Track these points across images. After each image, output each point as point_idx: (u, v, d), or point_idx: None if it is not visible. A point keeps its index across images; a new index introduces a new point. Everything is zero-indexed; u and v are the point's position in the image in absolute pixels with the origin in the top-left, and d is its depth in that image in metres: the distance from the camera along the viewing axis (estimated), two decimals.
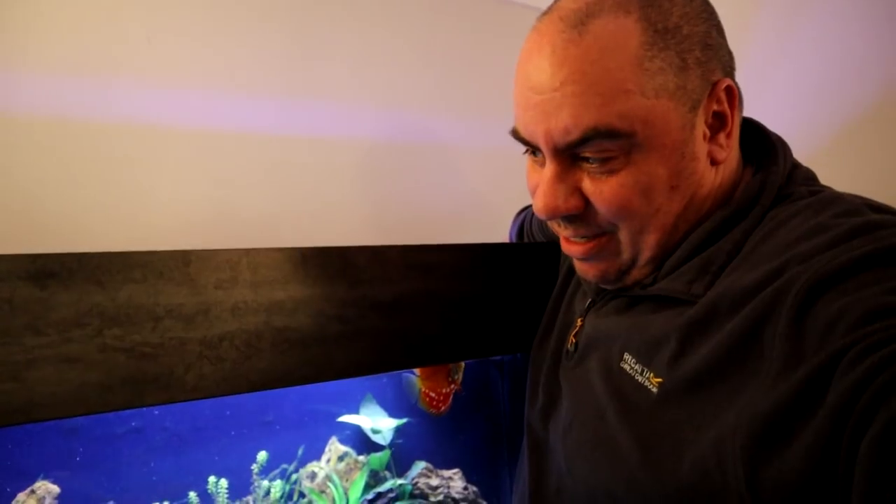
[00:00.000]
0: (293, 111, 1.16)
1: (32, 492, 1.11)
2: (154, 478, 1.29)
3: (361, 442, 1.61)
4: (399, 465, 1.39)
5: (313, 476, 1.46)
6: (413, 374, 1.12)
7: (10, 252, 0.59)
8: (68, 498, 1.16)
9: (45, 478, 1.14)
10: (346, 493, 1.37)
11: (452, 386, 1.03)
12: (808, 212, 0.41)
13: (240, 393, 0.70)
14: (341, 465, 1.45)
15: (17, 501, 1.13)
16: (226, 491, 1.34)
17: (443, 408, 1.05)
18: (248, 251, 0.71)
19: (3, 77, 0.87)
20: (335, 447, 1.51)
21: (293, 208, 1.18)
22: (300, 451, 1.51)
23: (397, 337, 0.80)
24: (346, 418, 1.41)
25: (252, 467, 1.41)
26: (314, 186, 1.20)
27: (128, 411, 1.40)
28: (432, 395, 1.03)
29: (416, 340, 0.82)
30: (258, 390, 0.72)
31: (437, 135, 1.30)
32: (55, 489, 1.14)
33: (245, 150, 1.13)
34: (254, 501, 1.39)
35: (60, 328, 0.61)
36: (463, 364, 1.06)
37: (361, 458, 1.47)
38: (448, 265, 0.84)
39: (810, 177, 0.47)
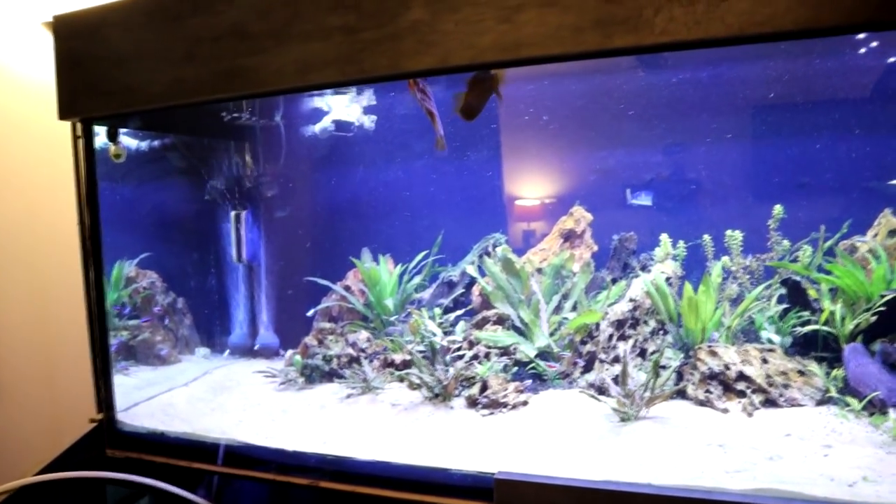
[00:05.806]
0: None
1: (571, 214, 1.32)
2: (669, 221, 1.34)
3: None
4: None
5: (852, 250, 1.23)
6: None
7: None
8: (596, 224, 1.34)
9: (580, 204, 1.33)
10: (893, 270, 1.10)
11: None
12: None
13: (712, 38, 0.63)
14: (891, 241, 1.17)
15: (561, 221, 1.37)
16: (739, 244, 1.28)
17: None
18: None
19: None
20: (887, 220, 1.22)
21: None
22: (845, 225, 1.28)
23: None
24: None
25: (768, 223, 1.29)
26: None
27: (676, 165, 1.47)
28: None
29: None
30: (734, 37, 0.63)
31: None
32: (588, 216, 1.33)
33: None
34: (764, 260, 1.29)
35: None
36: None
37: None
38: None
39: None
